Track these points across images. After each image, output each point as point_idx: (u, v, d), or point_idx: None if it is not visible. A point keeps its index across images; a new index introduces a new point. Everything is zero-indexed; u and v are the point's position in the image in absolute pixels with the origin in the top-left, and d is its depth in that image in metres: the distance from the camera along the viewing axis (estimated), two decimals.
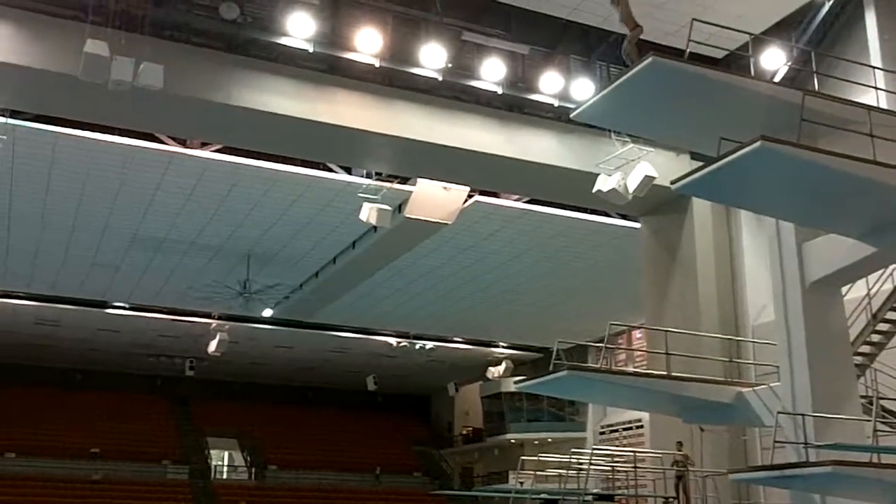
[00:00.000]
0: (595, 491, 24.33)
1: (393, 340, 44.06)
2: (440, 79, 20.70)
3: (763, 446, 17.91)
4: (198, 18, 19.10)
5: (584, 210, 27.29)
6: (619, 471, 22.13)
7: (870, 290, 16.38)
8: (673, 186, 11.72)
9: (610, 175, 20.90)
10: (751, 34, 14.26)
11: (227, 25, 19.14)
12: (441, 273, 33.23)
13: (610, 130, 20.56)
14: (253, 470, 49.61)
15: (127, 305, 39.12)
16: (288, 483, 47.65)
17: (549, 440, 43.99)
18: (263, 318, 39.46)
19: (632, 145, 20.86)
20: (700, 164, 11.45)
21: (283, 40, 19.54)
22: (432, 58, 20.28)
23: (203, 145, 23.98)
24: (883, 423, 13.63)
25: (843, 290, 14.30)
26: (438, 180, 25.21)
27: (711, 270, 22.85)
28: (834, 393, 13.27)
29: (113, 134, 22.80)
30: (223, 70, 19.30)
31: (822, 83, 15.04)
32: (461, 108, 21.33)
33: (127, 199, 26.64)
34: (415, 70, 20.49)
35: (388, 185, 24.62)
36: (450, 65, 20.58)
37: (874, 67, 16.40)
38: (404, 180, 25.44)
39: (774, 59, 20.30)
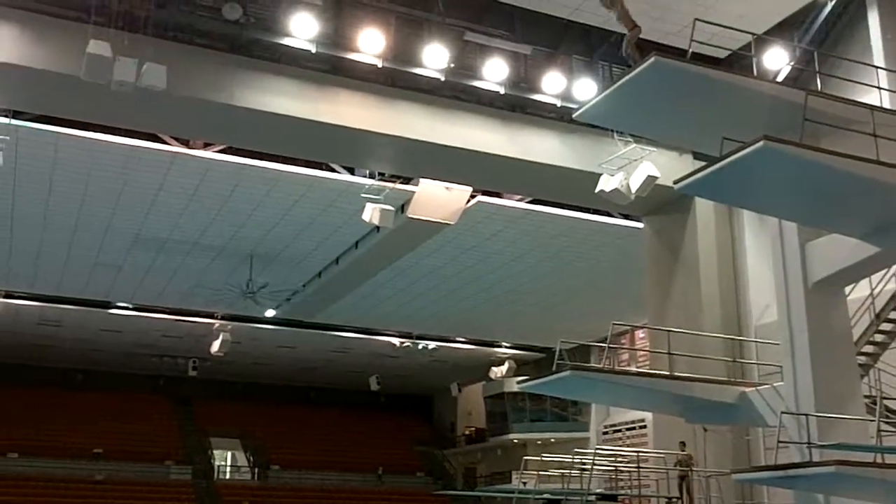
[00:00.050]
0: (598, 491, 24.30)
1: (396, 340, 44.07)
2: (443, 79, 20.70)
3: (766, 446, 17.93)
4: (201, 19, 19.11)
5: (587, 210, 27.29)
6: (622, 471, 22.13)
7: (873, 289, 16.36)
8: (675, 186, 11.72)
9: (612, 175, 20.91)
10: (753, 34, 14.23)
11: (229, 26, 19.16)
12: (444, 273, 33.24)
13: (612, 130, 20.59)
14: (256, 470, 49.62)
15: (130, 306, 39.16)
16: (291, 483, 47.66)
17: (552, 440, 44.00)
18: (266, 319, 39.48)
19: (634, 145, 20.87)
20: (703, 163, 11.44)
21: (285, 41, 19.56)
22: (435, 58, 20.29)
23: (206, 146, 24.00)
24: (886, 422, 13.64)
25: (847, 289, 14.28)
26: (441, 180, 25.21)
27: (714, 270, 22.85)
28: (837, 393, 13.26)
29: (116, 134, 22.82)
30: (226, 70, 19.32)
31: (825, 83, 15.02)
32: (464, 108, 21.34)
33: (129, 199, 26.66)
34: (417, 70, 20.50)
35: (390, 185, 24.63)
36: (452, 65, 20.58)
37: (877, 67, 16.36)
38: (407, 180, 25.45)
39: (777, 59, 20.28)
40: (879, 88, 14.65)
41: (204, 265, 32.52)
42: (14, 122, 20.97)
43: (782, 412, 13.16)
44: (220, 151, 24.10)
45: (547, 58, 21.74)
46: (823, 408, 12.86)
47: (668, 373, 15.84)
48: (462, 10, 20.79)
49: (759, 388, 15.40)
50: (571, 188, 23.28)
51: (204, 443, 49.99)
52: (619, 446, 31.69)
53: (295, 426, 52.29)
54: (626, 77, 12.26)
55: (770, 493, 19.27)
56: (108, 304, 38.80)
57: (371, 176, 25.05)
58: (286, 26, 19.42)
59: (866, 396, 14.41)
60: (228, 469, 52.20)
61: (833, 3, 20.33)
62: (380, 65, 20.19)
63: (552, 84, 21.41)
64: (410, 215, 25.96)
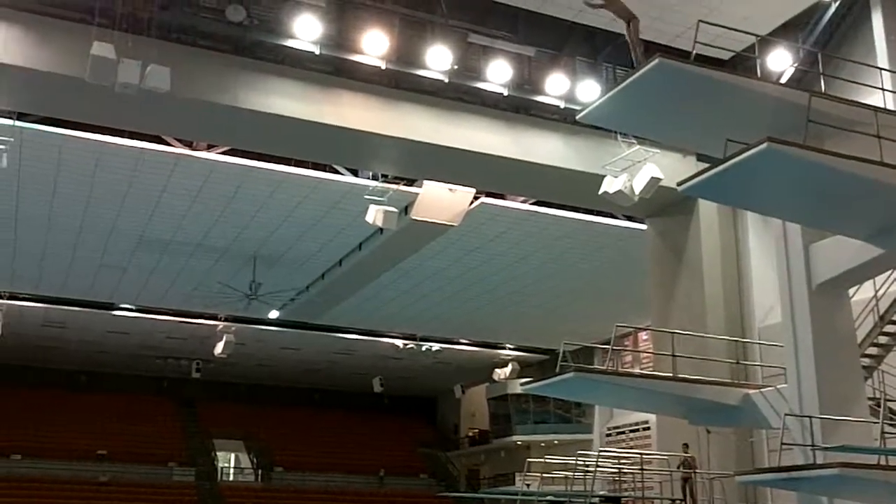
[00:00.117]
0: (602, 493, 24.33)
1: (399, 342, 44.04)
2: (446, 81, 20.71)
3: (770, 448, 17.92)
4: (204, 21, 19.14)
5: (591, 212, 27.29)
6: (625, 473, 22.10)
7: (877, 291, 16.36)
8: (679, 188, 11.71)
9: (616, 177, 20.89)
10: (757, 35, 14.22)
11: (233, 28, 19.18)
12: (447, 275, 33.24)
13: (616, 132, 20.57)
14: (259, 472, 49.59)
15: (133, 307, 39.17)
16: (294, 485, 47.66)
17: (556, 442, 43.97)
18: (270, 320, 39.50)
19: (638, 147, 20.86)
20: (706, 165, 11.44)
21: (289, 42, 19.58)
22: (438, 60, 20.31)
23: (209, 147, 24.02)
24: (890, 424, 13.62)
25: (850, 291, 14.26)
26: (445, 182, 25.22)
27: (718, 272, 22.83)
28: (841, 395, 13.24)
29: (120, 136, 22.87)
30: (229, 72, 19.34)
31: (829, 84, 15.02)
32: (467, 109, 21.34)
33: (134, 200, 26.69)
34: (421, 72, 20.51)
35: (394, 186, 24.64)
36: (456, 67, 20.59)
37: (881, 69, 16.35)
38: (410, 182, 25.47)
39: (781, 61, 20.28)
40: (883, 90, 14.66)
41: (208, 267, 32.54)
42: (18, 123, 21.00)
43: (786, 414, 13.16)
44: (224, 153, 24.13)
45: (550, 59, 21.75)
46: (827, 410, 12.85)
47: (671, 374, 15.82)
48: (465, 12, 20.81)
49: (762, 389, 15.37)
50: (575, 190, 23.27)
51: (207, 444, 50.02)
52: (623, 448, 31.64)
53: (298, 428, 52.31)
54: (630, 78, 12.25)
55: (773, 495, 19.24)
56: (112, 306, 38.81)
57: (374, 178, 25.05)
58: (290, 28, 19.44)
59: (870, 398, 14.39)
60: (232, 471, 52.18)
61: (837, 4, 20.33)
62: (383, 66, 20.21)
63: (556, 86, 21.40)
64: (414, 217, 25.96)
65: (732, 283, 22.91)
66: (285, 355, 47.82)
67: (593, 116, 13.86)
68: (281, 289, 33.38)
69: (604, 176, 21.04)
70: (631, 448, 31.61)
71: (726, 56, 15.83)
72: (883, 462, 11.92)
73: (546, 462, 23.09)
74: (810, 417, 12.81)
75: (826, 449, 12.25)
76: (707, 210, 22.70)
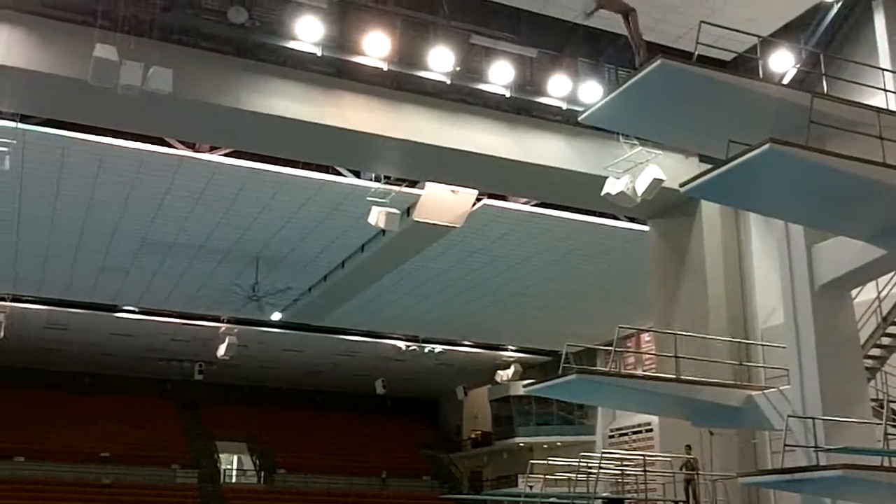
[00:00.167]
0: (604, 495, 24.30)
1: (402, 344, 44.07)
2: (448, 82, 20.70)
3: (773, 450, 17.84)
4: (206, 23, 19.15)
5: (593, 213, 27.28)
6: (628, 474, 22.09)
7: (880, 292, 16.33)
8: (681, 189, 11.69)
9: (618, 178, 20.89)
10: (759, 37, 14.20)
11: (235, 29, 19.19)
12: (449, 276, 33.24)
13: (618, 133, 20.56)
14: (262, 474, 49.63)
15: (136, 309, 39.21)
16: (297, 487, 47.66)
17: (559, 444, 43.97)
18: (272, 322, 39.53)
19: (640, 148, 20.85)
20: (709, 166, 11.42)
21: (291, 44, 19.57)
22: (440, 61, 20.30)
23: (212, 149, 24.04)
24: (893, 426, 13.58)
25: (853, 292, 14.24)
26: (447, 184, 25.21)
27: (720, 273, 22.81)
28: (844, 396, 13.21)
29: (122, 138, 22.88)
30: (232, 74, 19.34)
31: (831, 85, 15.01)
32: (469, 111, 21.34)
33: (136, 202, 26.71)
34: (423, 73, 20.51)
35: (396, 188, 24.65)
36: (458, 68, 20.58)
37: (883, 69, 16.32)
38: (413, 184, 25.47)
39: (783, 62, 20.27)
40: (885, 91, 14.61)
41: (210, 269, 32.56)
42: (21, 125, 21.03)
43: (789, 416, 13.14)
44: (227, 155, 24.15)
45: (552, 61, 21.75)
46: (830, 411, 12.82)
47: (674, 376, 15.81)
48: (467, 13, 20.80)
49: (765, 391, 15.36)
50: (577, 191, 23.27)
51: (210, 446, 50.07)
52: (626, 450, 31.60)
53: (301, 430, 52.32)
54: (632, 80, 12.24)
55: (777, 496, 19.22)
56: (115, 308, 38.85)
57: (377, 179, 25.06)
58: (291, 30, 19.44)
59: (873, 400, 14.36)
60: (235, 472, 52.23)
61: (839, 5, 20.32)
62: (385, 68, 20.20)
63: (558, 87, 21.39)
64: (416, 219, 25.96)
65: (735, 284, 22.89)
66: (288, 357, 47.84)
67: (595, 118, 13.84)
68: (283, 291, 33.38)
69: (606, 177, 21.04)
70: (634, 450, 31.57)
71: (728, 57, 15.82)
72: (886, 463, 11.91)
73: (549, 464, 23.08)
74: (813, 419, 12.79)
75: (829, 450, 12.22)
76: (709, 211, 22.69)
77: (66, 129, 22.15)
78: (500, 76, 20.97)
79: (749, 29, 14.18)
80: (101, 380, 50.61)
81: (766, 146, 10.16)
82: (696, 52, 12.29)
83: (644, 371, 29.62)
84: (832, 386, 13.17)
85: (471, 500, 43.82)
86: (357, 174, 25.55)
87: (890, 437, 12.32)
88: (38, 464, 42.97)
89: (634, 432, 36.85)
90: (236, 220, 28.10)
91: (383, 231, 26.71)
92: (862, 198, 11.52)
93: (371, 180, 25.20)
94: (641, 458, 21.43)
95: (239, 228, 28.87)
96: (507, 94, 21.23)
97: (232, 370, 47.84)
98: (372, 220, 24.12)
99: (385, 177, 24.86)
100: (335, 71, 20.21)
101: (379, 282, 33.23)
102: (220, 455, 50.28)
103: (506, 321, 39.39)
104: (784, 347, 14.24)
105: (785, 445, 12.52)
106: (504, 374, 47.13)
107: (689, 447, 19.82)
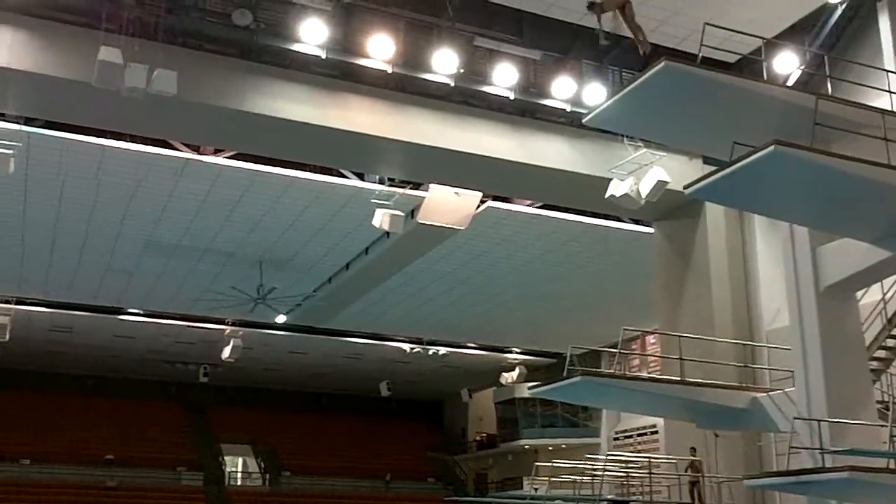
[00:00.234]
0: (609, 497, 24.23)
1: (406, 346, 44.04)
2: (452, 84, 20.71)
3: (778, 452, 17.84)
4: (211, 25, 19.18)
5: (597, 215, 27.24)
6: (633, 477, 22.07)
7: (885, 294, 16.31)
8: (686, 191, 11.67)
9: (622, 180, 20.90)
10: (763, 38, 14.20)
11: (239, 32, 19.21)
12: (454, 278, 33.22)
13: (622, 135, 20.55)
14: (267, 476, 49.62)
15: (141, 312, 39.26)
16: (302, 489, 47.64)
17: (563, 446, 43.92)
18: (277, 325, 39.50)
19: (644, 150, 20.86)
20: (713, 168, 11.39)
21: (295, 46, 19.59)
22: (444, 63, 20.29)
23: (216, 151, 24.05)
24: None
25: (858, 294, 14.22)
26: (451, 186, 25.21)
27: (725, 275, 22.78)
28: (849, 398, 13.19)
29: (126, 140, 22.87)
30: (236, 76, 19.36)
31: (836, 87, 14.97)
32: (473, 113, 21.34)
33: (141, 205, 26.73)
34: (427, 76, 20.52)
35: (400, 190, 24.66)
36: (462, 70, 20.58)
37: (888, 71, 16.29)
38: (417, 186, 25.46)
39: (787, 63, 20.22)
40: (890, 92, 14.56)
41: (215, 271, 32.57)
42: (25, 128, 21.07)
43: (794, 417, 13.13)
44: (231, 157, 24.15)
45: (556, 63, 21.74)
46: (836, 413, 12.80)
47: (679, 378, 15.80)
48: (471, 16, 20.80)
49: (770, 393, 15.35)
50: (581, 193, 23.25)
51: (215, 449, 50.04)
52: (631, 452, 31.59)
53: (306, 432, 52.31)
54: (636, 81, 12.22)
55: (782, 498, 19.19)
56: (119, 311, 38.88)
57: (381, 181, 25.06)
58: (296, 32, 19.45)
59: (878, 402, 14.33)
60: (240, 475, 52.16)
61: (843, 6, 20.29)
62: (389, 70, 20.21)
63: (562, 89, 21.38)
64: (420, 221, 25.96)
65: (740, 286, 22.87)
66: (292, 359, 47.83)
67: (600, 120, 13.83)
68: (288, 293, 33.39)
69: (610, 179, 21.04)
70: (639, 452, 31.55)
71: (733, 59, 15.81)
72: (892, 466, 11.87)
73: (554, 466, 23.06)
74: (819, 421, 12.74)
75: (835, 452, 12.18)
76: (714, 213, 22.67)
77: (71, 132, 22.14)
78: (503, 78, 20.97)
79: (753, 31, 14.16)
80: (106, 382, 50.59)
81: (771, 148, 10.13)
82: (700, 55, 12.28)
83: (649, 373, 29.60)
84: (837, 388, 13.15)
85: (476, 502, 43.72)
86: (361, 176, 25.54)
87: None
88: (43, 466, 42.98)
89: (639, 434, 36.86)
90: (240, 222, 28.10)
91: (387, 233, 26.69)
92: (867, 199, 11.50)
93: (375, 183, 25.19)
94: (646, 460, 21.40)
95: (243, 231, 28.88)
96: (511, 97, 21.23)
97: (237, 372, 47.83)
98: (376, 222, 24.13)
99: (389, 179, 24.86)
100: (339, 73, 20.23)
101: (383, 284, 33.22)
102: (225, 457, 50.20)
103: (510, 323, 39.37)
104: (789, 349, 14.21)
105: (790, 447, 12.50)
106: (509, 377, 47.11)
107: (693, 449, 19.79)
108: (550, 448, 44.29)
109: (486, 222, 27.75)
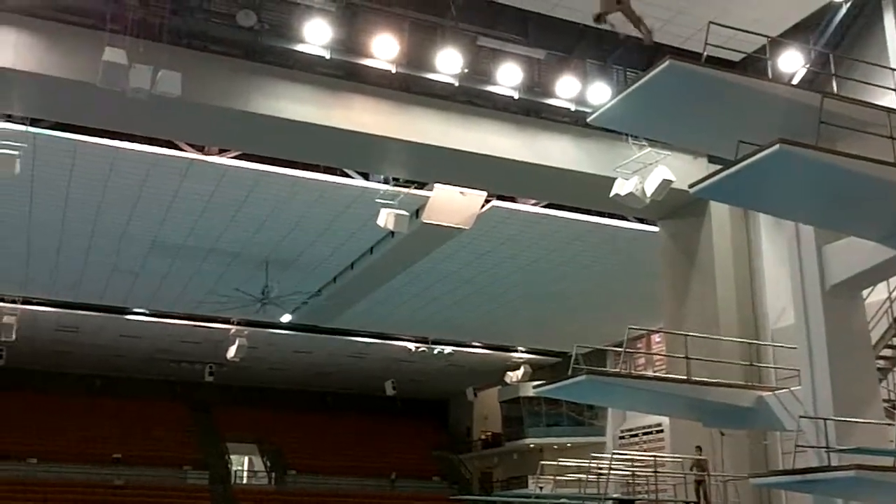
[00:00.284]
0: (615, 496, 24.24)
1: (411, 345, 44.07)
2: (456, 84, 20.69)
3: (784, 451, 17.85)
4: (215, 26, 19.19)
5: (602, 214, 27.23)
6: (639, 475, 22.06)
7: (891, 293, 16.29)
8: (691, 190, 11.67)
9: (627, 179, 20.88)
10: (768, 37, 14.17)
11: (244, 33, 19.22)
12: (459, 278, 33.23)
13: (627, 134, 20.54)
14: (272, 475, 49.71)
15: (147, 312, 39.33)
16: (307, 488, 47.68)
17: (569, 445, 43.92)
18: (282, 324, 39.57)
19: (649, 149, 20.83)
20: (718, 167, 11.40)
21: (299, 47, 19.59)
22: (448, 63, 20.28)
23: (221, 152, 24.08)
24: None
25: (864, 293, 14.20)
26: (455, 185, 25.20)
27: (730, 273, 22.76)
28: (856, 397, 13.18)
29: (131, 141, 22.90)
30: (240, 77, 19.38)
31: (841, 85, 14.97)
32: (478, 113, 21.32)
33: (146, 205, 26.77)
34: (431, 76, 20.50)
35: (405, 190, 24.67)
36: (466, 70, 20.57)
37: (893, 69, 16.28)
38: (421, 185, 25.47)
39: (792, 62, 20.20)
40: None
41: (220, 271, 32.61)
42: (31, 129, 21.10)
43: (800, 416, 13.11)
44: (236, 158, 24.18)
45: (561, 62, 21.71)
46: (842, 412, 12.78)
47: (684, 377, 15.79)
48: (475, 15, 20.79)
49: (776, 392, 15.34)
50: (586, 192, 23.25)
51: (221, 448, 50.13)
52: (636, 451, 31.56)
53: (311, 431, 52.37)
54: (641, 80, 12.21)
55: (788, 497, 19.19)
56: (125, 311, 38.98)
57: (386, 181, 25.08)
58: (300, 32, 19.46)
59: (885, 400, 14.32)
60: (245, 474, 52.35)
61: (848, 5, 20.25)
62: (394, 70, 20.20)
63: (566, 88, 21.35)
64: (425, 220, 25.95)
65: (745, 284, 22.84)
66: (298, 359, 47.89)
67: (604, 119, 13.82)
68: (293, 293, 33.42)
69: (615, 178, 21.02)
70: (644, 451, 31.54)
71: (737, 58, 15.77)
72: None
73: (559, 465, 23.06)
74: (825, 419, 12.75)
75: (841, 451, 12.18)
76: (719, 212, 22.65)
77: (76, 133, 22.19)
78: (508, 78, 20.96)
79: (758, 29, 14.13)
80: (112, 382, 50.67)
81: (776, 147, 10.13)
82: (705, 53, 12.27)
83: (654, 372, 29.60)
84: (844, 386, 13.13)
85: (481, 501, 43.77)
86: (366, 176, 25.56)
87: None
88: (50, 465, 43.10)
89: (645, 433, 36.82)
90: (246, 222, 28.14)
91: (392, 233, 26.72)
92: (872, 198, 11.48)
93: (380, 182, 25.20)
94: (652, 459, 21.40)
95: (248, 231, 28.91)
96: (516, 96, 21.21)
97: (242, 372, 47.91)
98: (381, 221, 24.14)
99: (394, 179, 24.88)
100: (344, 73, 20.23)
101: (388, 283, 33.24)
102: (231, 456, 50.35)
103: (515, 322, 39.36)
104: (795, 348, 14.21)
105: (796, 446, 12.50)
106: (514, 376, 47.11)
107: (699, 448, 19.78)
108: (556, 447, 44.28)
109: (491, 222, 27.74)
